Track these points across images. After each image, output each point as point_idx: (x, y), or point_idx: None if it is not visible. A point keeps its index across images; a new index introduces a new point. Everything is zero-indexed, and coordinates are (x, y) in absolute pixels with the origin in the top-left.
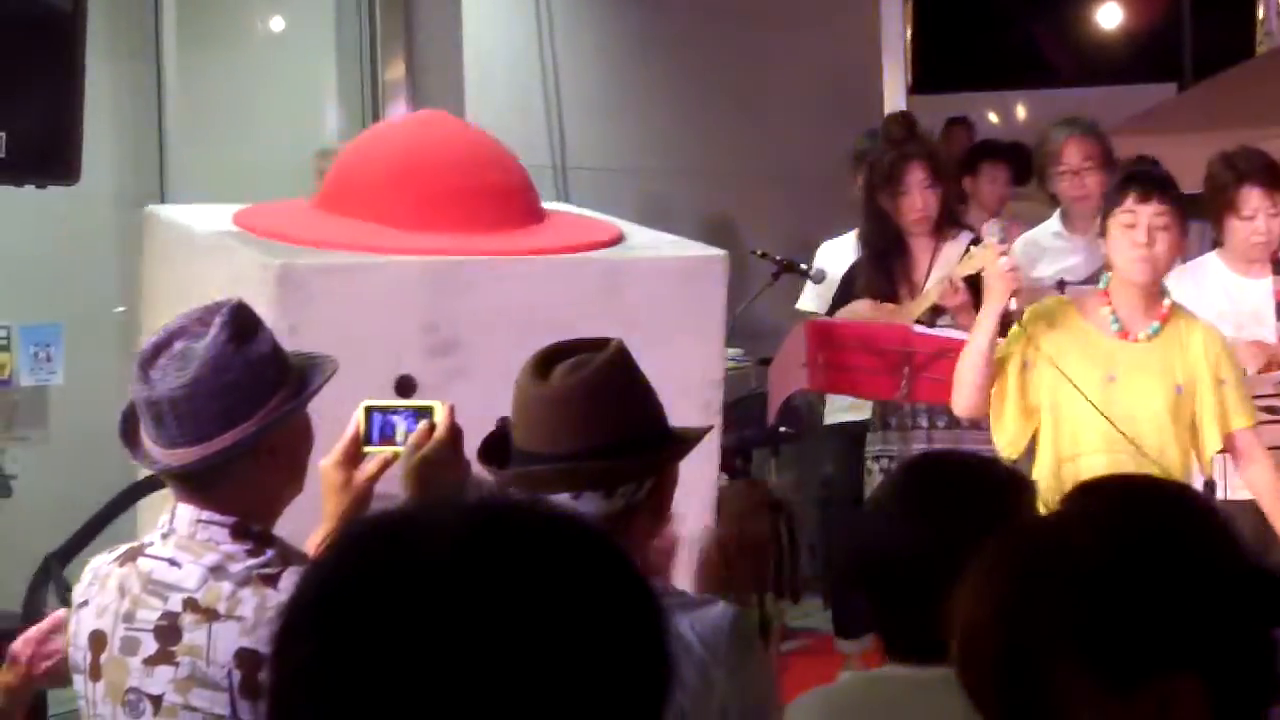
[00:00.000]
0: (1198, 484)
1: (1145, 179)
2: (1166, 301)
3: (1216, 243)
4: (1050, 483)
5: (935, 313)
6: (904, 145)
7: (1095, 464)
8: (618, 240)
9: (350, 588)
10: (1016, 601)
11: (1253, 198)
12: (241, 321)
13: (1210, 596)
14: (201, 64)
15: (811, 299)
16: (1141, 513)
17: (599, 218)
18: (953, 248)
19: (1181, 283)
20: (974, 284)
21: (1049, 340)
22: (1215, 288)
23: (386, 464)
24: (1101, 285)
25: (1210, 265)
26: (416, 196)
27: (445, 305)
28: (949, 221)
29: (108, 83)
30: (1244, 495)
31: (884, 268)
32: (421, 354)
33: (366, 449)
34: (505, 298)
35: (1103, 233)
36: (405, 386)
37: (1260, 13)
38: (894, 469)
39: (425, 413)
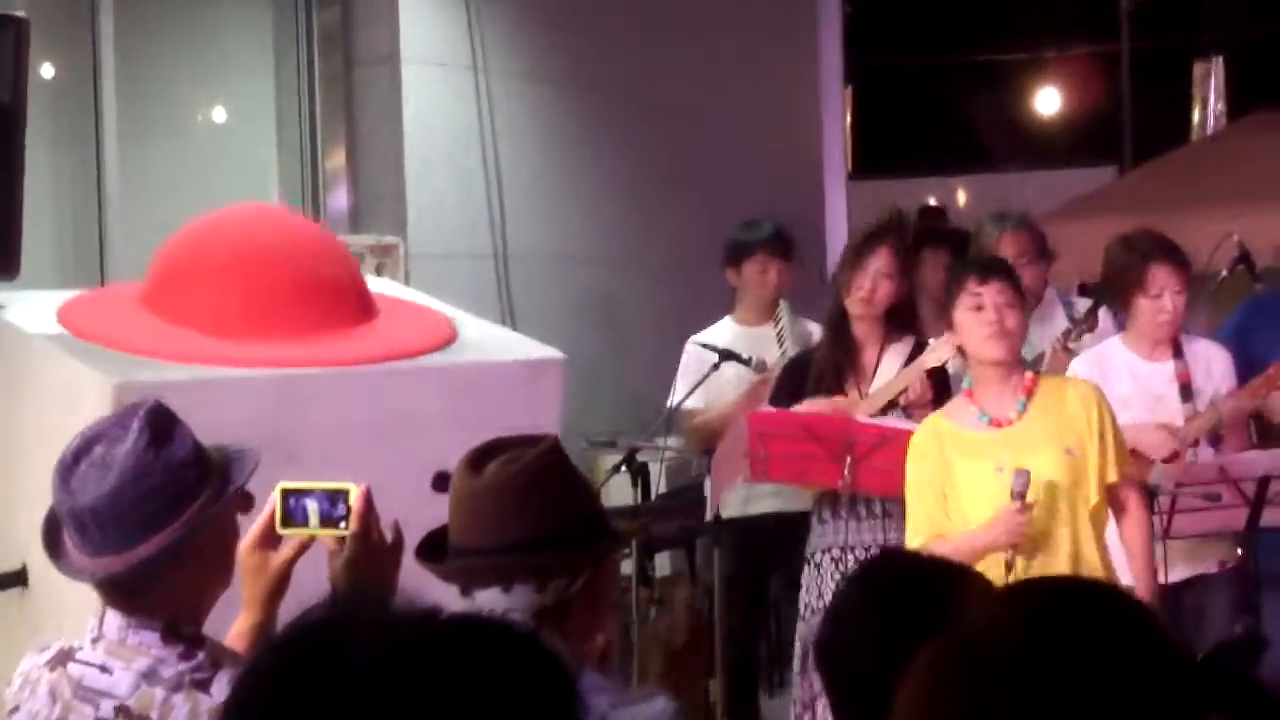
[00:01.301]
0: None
1: (983, 264)
2: (1027, 374)
3: (1121, 327)
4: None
5: (886, 408)
6: (883, 226)
7: (989, 561)
8: (452, 337)
9: (274, 702)
10: (950, 709)
11: (1159, 275)
12: (159, 424)
13: (1144, 694)
14: (142, 154)
15: (688, 394)
16: (1066, 617)
17: (427, 304)
18: (899, 348)
19: (1086, 368)
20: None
21: (933, 471)
22: (1120, 372)
23: (303, 547)
24: (965, 385)
25: (1113, 350)
26: (247, 299)
27: (287, 419)
28: (901, 322)
29: (48, 173)
30: (1187, 574)
31: (832, 356)
32: (266, 468)
33: (283, 531)
34: (350, 408)
35: (950, 325)
36: (245, 501)
37: (1196, 115)
38: (852, 565)
39: (340, 495)
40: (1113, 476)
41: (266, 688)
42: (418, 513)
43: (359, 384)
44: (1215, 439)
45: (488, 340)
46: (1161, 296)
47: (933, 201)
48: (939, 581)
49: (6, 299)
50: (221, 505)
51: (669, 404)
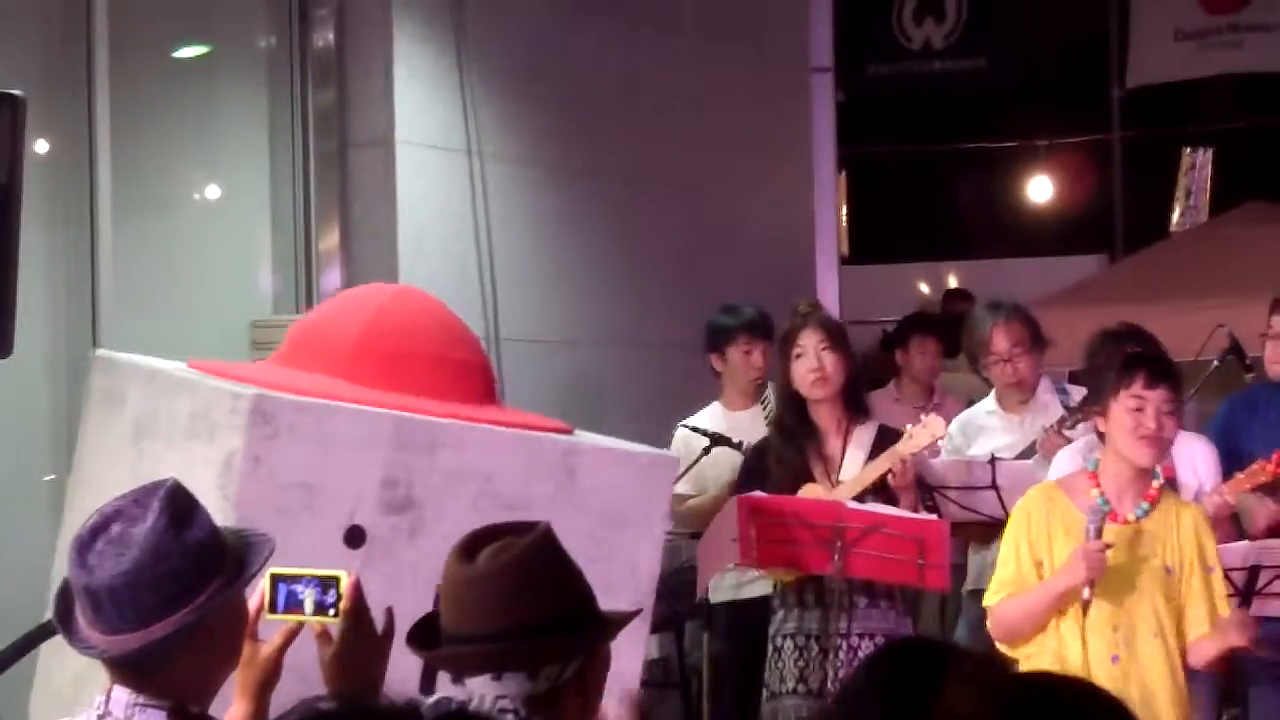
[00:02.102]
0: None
1: (1155, 364)
2: (1156, 483)
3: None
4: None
5: (864, 494)
6: (802, 313)
7: (1072, 652)
8: (569, 432)
9: None
10: None
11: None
12: (179, 505)
13: None
14: (136, 231)
15: (678, 478)
16: (1041, 713)
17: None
18: (863, 433)
19: (1071, 459)
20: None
21: (1035, 535)
22: None
23: (293, 634)
24: (1090, 467)
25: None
26: (383, 355)
27: (408, 462)
28: (858, 406)
29: (42, 250)
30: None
31: (795, 444)
32: (377, 507)
33: (271, 617)
34: (466, 464)
35: (1104, 412)
36: (354, 538)
37: (1178, 208)
38: (815, 652)
39: (331, 582)
40: (1223, 611)
41: None
42: None
43: (481, 443)
44: None
45: (603, 440)
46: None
47: (925, 288)
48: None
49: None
50: (235, 590)
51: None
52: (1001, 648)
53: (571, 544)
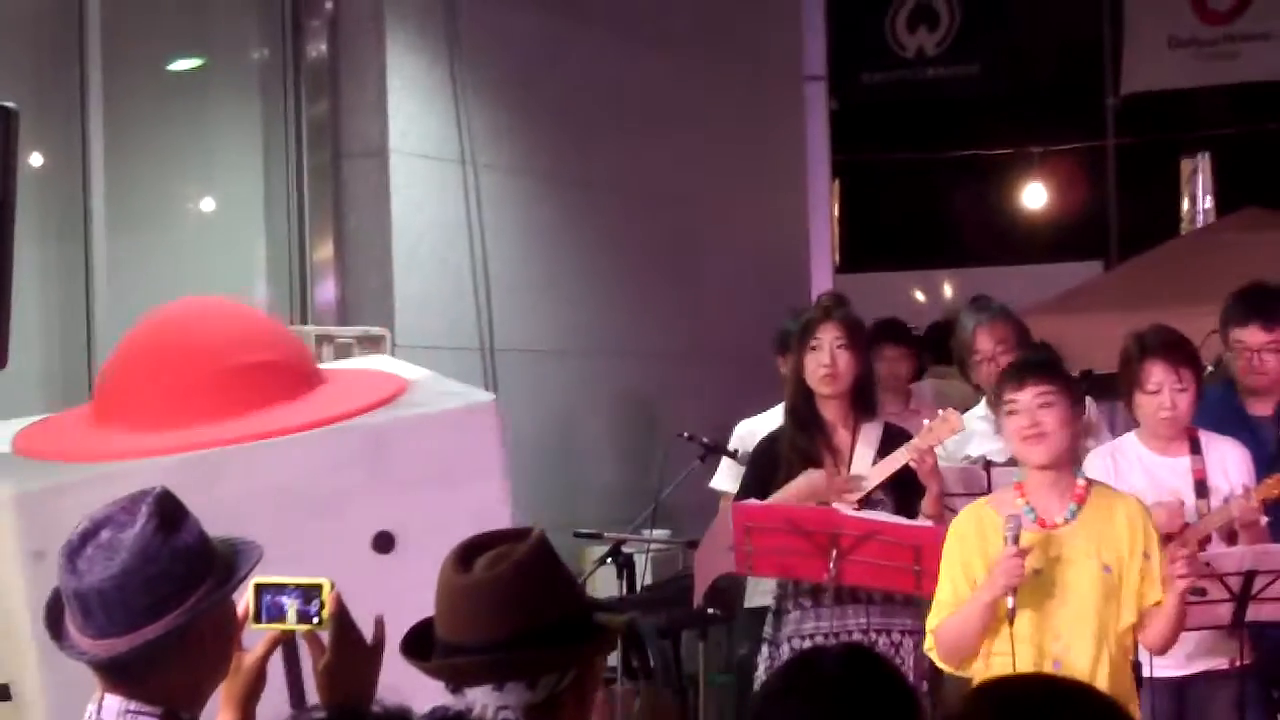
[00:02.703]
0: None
1: (1019, 366)
2: (1080, 481)
3: (1108, 417)
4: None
5: (868, 499)
6: (824, 306)
7: (1002, 665)
8: (393, 396)
9: None
10: None
11: (1155, 372)
12: (168, 510)
13: None
14: (130, 244)
15: (728, 478)
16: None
17: (389, 371)
18: (871, 429)
19: (1101, 463)
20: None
21: (970, 556)
22: (1133, 466)
23: (275, 642)
24: (1016, 478)
25: (1128, 446)
26: (157, 394)
27: (196, 500)
28: (866, 405)
29: (36, 264)
30: (1169, 674)
31: (806, 435)
32: None
33: (255, 627)
34: (258, 482)
35: (998, 430)
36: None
37: (1185, 211)
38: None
39: (314, 590)
40: (1153, 598)
41: None
42: (360, 577)
43: (271, 456)
44: (1230, 536)
45: (432, 396)
46: (1159, 393)
47: (920, 296)
48: (851, 676)
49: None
50: (225, 593)
51: (711, 484)
52: (949, 670)
53: (405, 518)
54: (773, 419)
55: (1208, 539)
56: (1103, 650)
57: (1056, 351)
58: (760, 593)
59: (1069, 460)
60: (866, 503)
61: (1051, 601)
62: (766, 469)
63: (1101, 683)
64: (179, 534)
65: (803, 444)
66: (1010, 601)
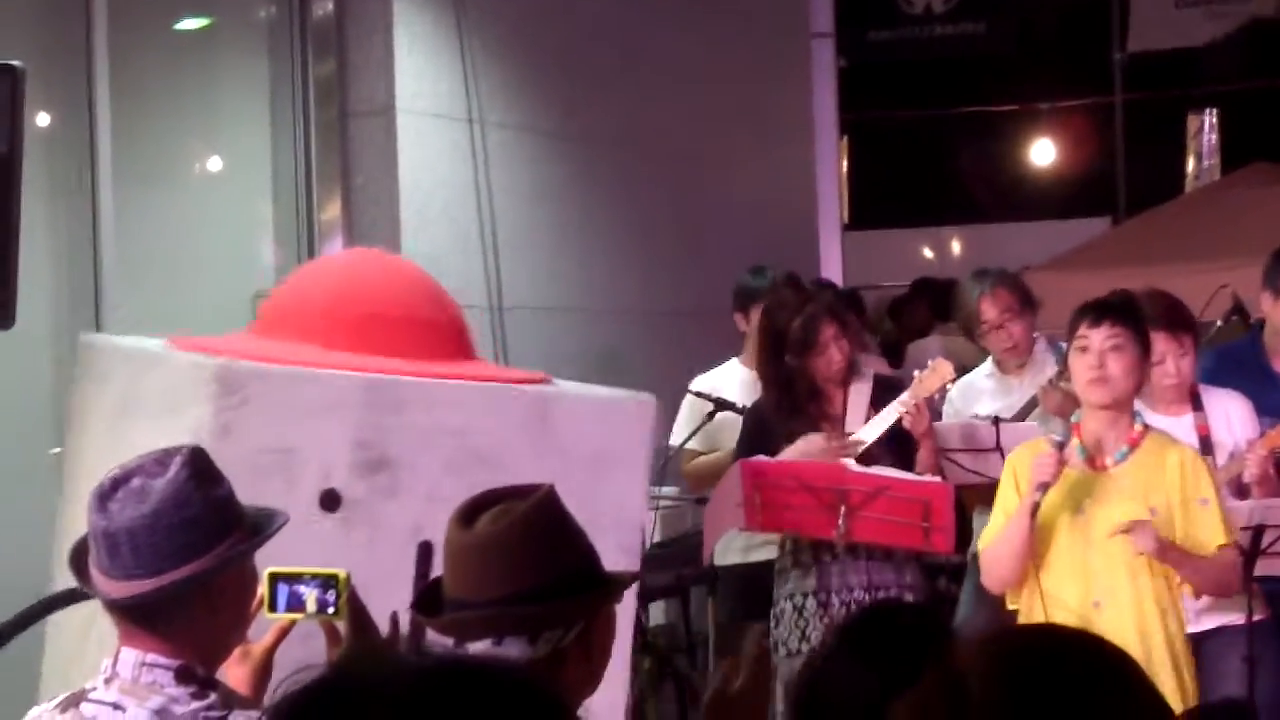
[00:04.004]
0: (1188, 611)
1: (1097, 306)
2: (1138, 425)
3: None
4: (1029, 615)
5: (868, 454)
6: (807, 304)
7: (1051, 602)
8: (544, 379)
9: None
10: None
11: (1158, 343)
12: (201, 463)
13: None
14: (137, 203)
15: (687, 438)
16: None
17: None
18: (860, 386)
19: None
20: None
21: (1023, 484)
22: None
23: (284, 632)
24: (1074, 419)
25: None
26: (352, 319)
27: (378, 422)
28: (854, 366)
29: (43, 222)
30: (1208, 625)
31: (795, 398)
32: (350, 469)
33: (271, 616)
34: (437, 421)
35: (1066, 367)
36: (330, 500)
37: (1190, 168)
38: (842, 614)
39: (331, 580)
40: (1215, 542)
41: None
42: None
43: (451, 399)
44: (1240, 491)
45: (583, 388)
46: (1163, 362)
47: (928, 253)
48: (922, 633)
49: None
50: (253, 545)
51: (667, 446)
52: (995, 593)
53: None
54: (728, 373)
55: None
56: (1144, 590)
57: (1137, 300)
58: (734, 550)
59: (1129, 405)
60: (866, 459)
61: (1096, 541)
62: (760, 438)
63: (1147, 624)
64: (211, 486)
65: (794, 411)
66: (1038, 495)
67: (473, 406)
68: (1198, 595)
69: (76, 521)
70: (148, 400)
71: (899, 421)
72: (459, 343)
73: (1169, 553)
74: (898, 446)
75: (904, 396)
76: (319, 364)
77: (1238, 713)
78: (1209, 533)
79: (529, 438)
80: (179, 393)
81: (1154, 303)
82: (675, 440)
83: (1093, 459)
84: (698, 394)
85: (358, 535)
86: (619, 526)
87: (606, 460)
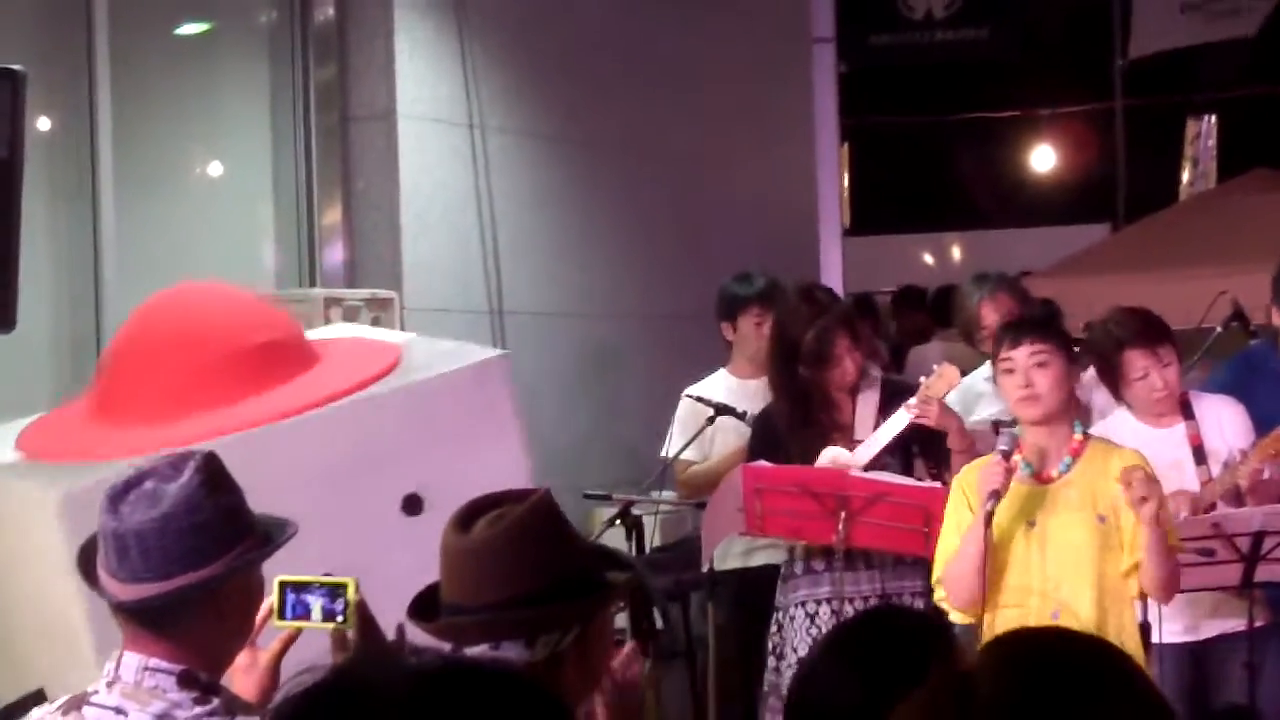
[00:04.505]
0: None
1: (1015, 325)
2: (1078, 434)
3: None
4: (984, 633)
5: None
6: (821, 318)
7: (1009, 616)
8: (394, 364)
9: None
10: None
11: (1136, 360)
12: (213, 470)
13: None
14: (139, 208)
15: (684, 447)
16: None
17: (369, 335)
18: (869, 392)
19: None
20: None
21: (969, 512)
22: (1128, 443)
23: (290, 640)
24: (1019, 433)
25: (1122, 423)
26: (175, 383)
27: (242, 481)
28: (864, 374)
29: (44, 226)
30: (1179, 639)
31: (813, 422)
32: None
33: (279, 624)
34: (301, 455)
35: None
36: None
37: (1186, 174)
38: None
39: (340, 589)
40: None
41: None
42: (395, 541)
43: (303, 430)
44: (1236, 499)
45: (433, 357)
46: (1147, 377)
47: (928, 258)
48: (920, 638)
49: None
50: (263, 555)
51: (663, 454)
52: (958, 617)
53: (431, 480)
54: (716, 383)
55: (1213, 506)
56: (1103, 598)
57: (1058, 307)
58: (734, 555)
59: (1066, 416)
60: (870, 465)
61: (1050, 553)
62: (769, 445)
63: (1105, 631)
64: (223, 493)
65: (805, 420)
66: (989, 505)
67: (322, 432)
68: (1150, 590)
69: (7, 635)
70: (15, 525)
71: (905, 428)
72: (293, 355)
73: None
74: (903, 454)
75: (912, 401)
76: (161, 446)
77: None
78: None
79: (390, 439)
80: (31, 523)
81: (1124, 324)
82: (671, 451)
83: (1038, 473)
84: (698, 399)
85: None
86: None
87: (476, 430)
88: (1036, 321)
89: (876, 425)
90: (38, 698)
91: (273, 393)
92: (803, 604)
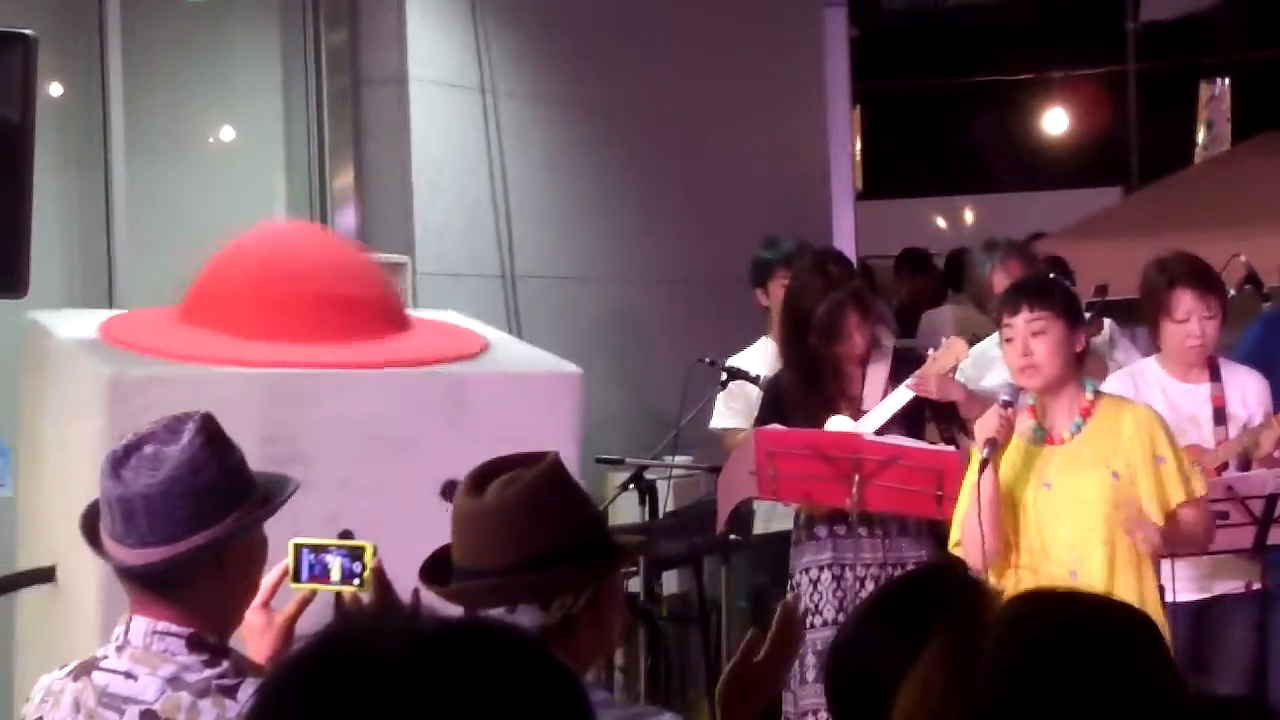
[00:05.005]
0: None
1: (1013, 291)
2: (1088, 394)
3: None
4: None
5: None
6: (832, 292)
7: (1025, 578)
8: (478, 353)
9: (309, 700)
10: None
11: (1185, 300)
12: (213, 430)
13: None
14: (150, 174)
15: (727, 416)
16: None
17: (472, 328)
18: (879, 361)
19: (1121, 386)
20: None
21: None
22: (1153, 391)
23: (305, 602)
24: (1031, 401)
25: (1149, 370)
26: (268, 305)
27: (285, 417)
28: (873, 339)
29: (56, 193)
30: (1189, 597)
31: (820, 391)
32: (260, 467)
33: (294, 586)
34: (347, 410)
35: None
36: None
37: (1200, 137)
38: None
39: (358, 552)
40: (1175, 499)
41: (294, 689)
42: (426, 522)
43: (361, 387)
44: (1245, 464)
45: (513, 357)
46: (1188, 321)
47: (941, 222)
48: (964, 599)
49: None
50: (267, 511)
51: (712, 426)
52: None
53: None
54: (758, 351)
55: (1224, 465)
56: (1116, 556)
57: (1067, 265)
58: (778, 517)
59: (1073, 378)
60: (878, 433)
61: (1064, 514)
62: (776, 412)
63: (1120, 589)
64: (225, 453)
65: (813, 389)
66: (984, 452)
67: (383, 393)
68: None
69: (36, 508)
70: (69, 392)
71: (912, 401)
72: (385, 318)
73: (1166, 540)
74: (907, 422)
75: (920, 372)
76: (226, 360)
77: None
78: (1170, 490)
79: (444, 423)
80: (83, 399)
81: (1182, 261)
82: (716, 423)
83: (1050, 437)
84: (710, 363)
85: (273, 532)
86: None
87: (533, 438)
88: (1034, 287)
89: (886, 395)
90: (48, 574)
91: (354, 345)
92: (806, 570)
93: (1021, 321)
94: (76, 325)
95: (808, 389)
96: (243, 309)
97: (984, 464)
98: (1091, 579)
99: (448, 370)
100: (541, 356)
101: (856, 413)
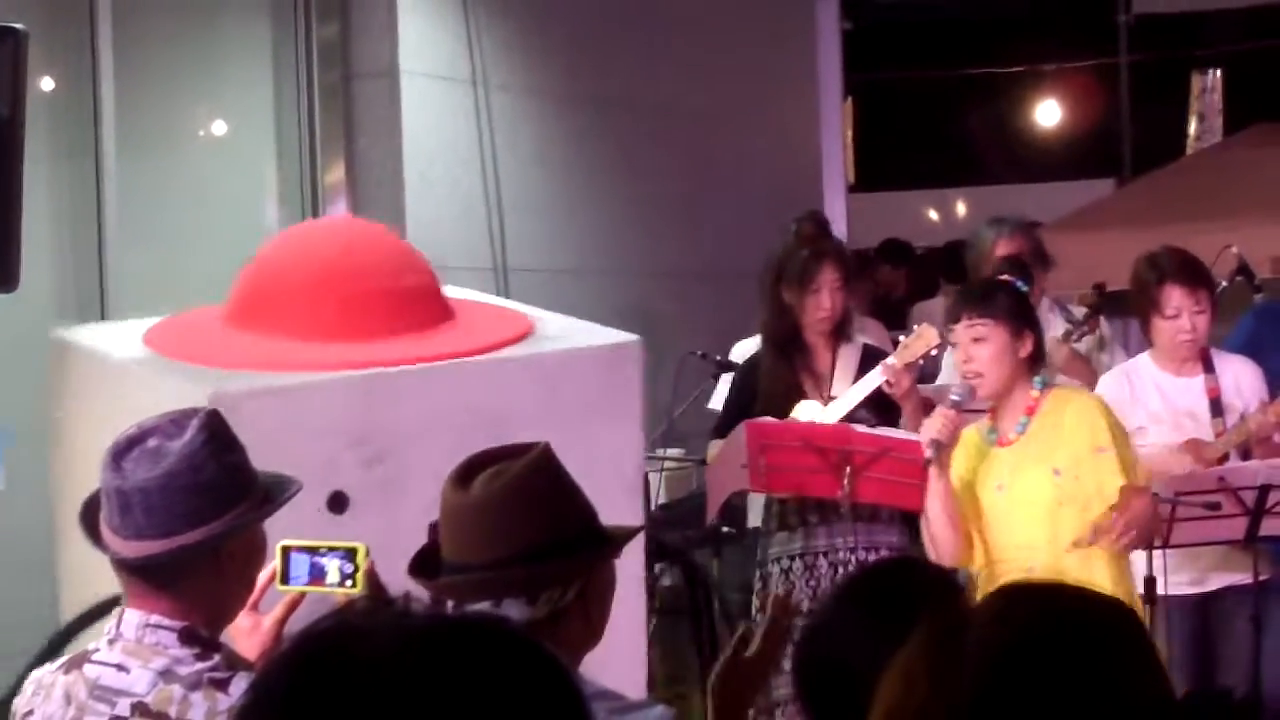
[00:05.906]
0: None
1: (955, 300)
2: (1034, 392)
3: (1121, 333)
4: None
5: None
6: (818, 243)
7: (990, 575)
8: (529, 331)
9: (301, 695)
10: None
11: (1174, 296)
12: (216, 427)
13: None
14: (141, 167)
15: (684, 408)
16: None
17: (502, 305)
18: (849, 351)
19: (1116, 384)
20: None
21: (961, 468)
22: (1148, 388)
23: (293, 605)
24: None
25: (1143, 366)
26: (332, 306)
27: (376, 418)
28: (845, 328)
29: (46, 186)
30: (1185, 591)
31: (786, 357)
32: (353, 467)
33: (282, 588)
34: (436, 403)
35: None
36: (338, 503)
37: (1193, 129)
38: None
39: (351, 553)
40: (1113, 485)
41: (285, 684)
42: None
43: (447, 380)
44: (1245, 454)
45: (567, 331)
46: (1179, 317)
47: (933, 214)
48: (934, 590)
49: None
50: (266, 511)
51: (711, 404)
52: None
53: (561, 451)
54: (757, 343)
55: (1225, 458)
56: (1061, 553)
57: (1024, 269)
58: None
59: (1020, 381)
60: (849, 421)
61: (1015, 514)
62: (746, 394)
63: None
64: (226, 451)
65: (784, 370)
66: (929, 452)
67: (469, 383)
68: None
69: (71, 538)
70: (136, 416)
71: (880, 387)
72: (438, 305)
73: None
74: (882, 412)
75: (888, 360)
76: (309, 365)
77: (1222, 701)
78: (1106, 481)
79: (531, 401)
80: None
81: (1170, 257)
82: (716, 404)
83: (1000, 439)
84: (701, 356)
85: (372, 529)
86: (625, 471)
87: (603, 408)
88: (973, 295)
89: (855, 382)
90: (117, 603)
91: (427, 336)
92: (777, 559)
93: (962, 329)
94: (117, 341)
95: (776, 359)
96: (305, 310)
97: (928, 463)
98: (1043, 576)
99: (523, 353)
100: (594, 328)
101: (825, 398)
